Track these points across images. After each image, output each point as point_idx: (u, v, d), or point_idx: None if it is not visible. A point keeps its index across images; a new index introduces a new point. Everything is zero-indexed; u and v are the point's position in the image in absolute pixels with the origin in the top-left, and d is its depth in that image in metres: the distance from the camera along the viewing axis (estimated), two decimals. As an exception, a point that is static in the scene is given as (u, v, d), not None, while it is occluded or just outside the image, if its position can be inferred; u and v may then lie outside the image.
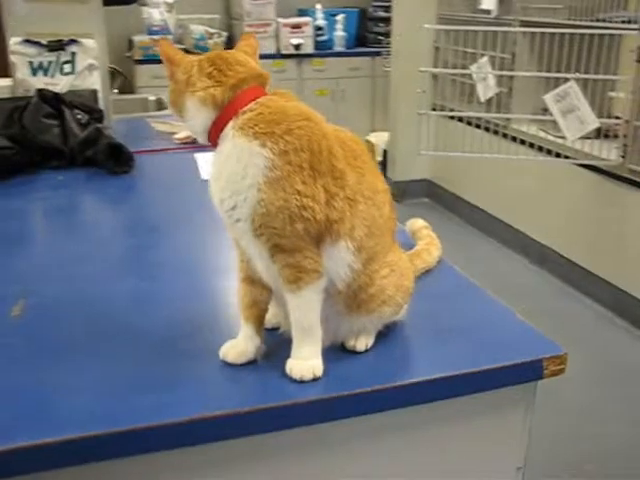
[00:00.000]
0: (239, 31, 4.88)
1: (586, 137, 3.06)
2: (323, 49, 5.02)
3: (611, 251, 3.13)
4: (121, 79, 3.26)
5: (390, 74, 4.59)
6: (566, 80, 2.98)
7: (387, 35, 5.35)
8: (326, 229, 0.80)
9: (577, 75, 2.96)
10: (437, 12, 4.33)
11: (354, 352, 0.90)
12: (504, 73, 3.61)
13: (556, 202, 3.49)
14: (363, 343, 0.90)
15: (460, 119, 3.91)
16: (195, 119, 0.83)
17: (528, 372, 0.92)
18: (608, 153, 3.05)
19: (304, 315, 0.83)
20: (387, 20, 5.40)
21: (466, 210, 4.32)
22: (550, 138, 3.44)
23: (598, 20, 3.24)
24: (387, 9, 5.37)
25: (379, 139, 4.96)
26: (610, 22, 3.19)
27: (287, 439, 0.82)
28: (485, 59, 3.63)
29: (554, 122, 3.21)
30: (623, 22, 3.13)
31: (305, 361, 0.84)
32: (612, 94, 3.09)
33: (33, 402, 0.81)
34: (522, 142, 3.52)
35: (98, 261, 1.26)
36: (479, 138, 3.51)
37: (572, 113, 2.98)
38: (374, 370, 0.88)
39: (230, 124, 0.81)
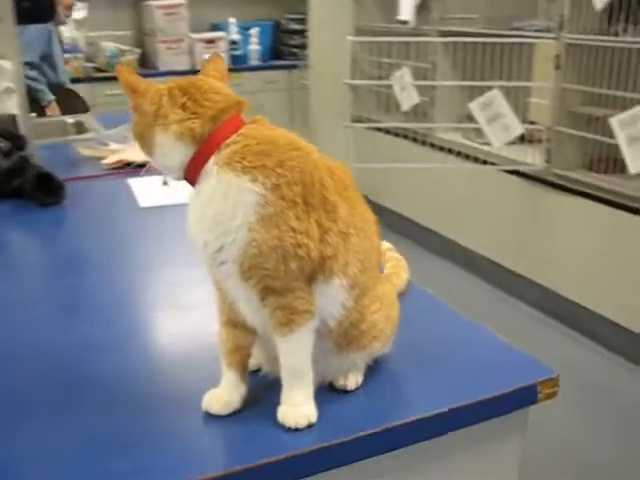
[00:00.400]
0: (152, 47, 4.75)
1: (511, 143, 3.11)
2: (239, 64, 4.94)
3: (540, 253, 3.18)
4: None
5: (309, 87, 4.57)
6: (490, 88, 3.02)
7: (303, 47, 5.34)
8: (320, 267, 0.74)
9: (500, 83, 3.01)
10: (354, 24, 4.33)
11: (344, 391, 0.84)
12: (425, 83, 3.64)
13: (484, 209, 3.53)
14: (353, 381, 0.84)
15: (387, 130, 3.93)
16: (168, 156, 0.75)
17: (523, 398, 0.89)
18: (533, 158, 3.11)
19: (295, 359, 0.76)
20: (301, 32, 5.39)
21: (395, 221, 4.33)
22: (475, 145, 3.48)
23: (513, 29, 3.32)
24: (301, 21, 5.36)
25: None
26: (524, 31, 3.27)
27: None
28: (405, 69, 3.65)
29: (477, 129, 3.26)
30: (536, 30, 3.22)
31: (298, 407, 0.77)
32: (533, 100, 3.15)
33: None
34: (449, 150, 3.55)
35: (38, 305, 1.15)
36: (404, 148, 3.53)
37: (497, 120, 3.03)
38: (367, 410, 0.83)
39: (212, 159, 0.73)
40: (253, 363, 0.86)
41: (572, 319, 2.95)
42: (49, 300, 1.18)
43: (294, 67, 5.11)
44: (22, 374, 0.92)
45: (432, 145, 3.71)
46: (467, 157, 3.49)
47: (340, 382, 0.84)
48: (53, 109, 3.14)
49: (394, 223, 4.34)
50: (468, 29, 3.45)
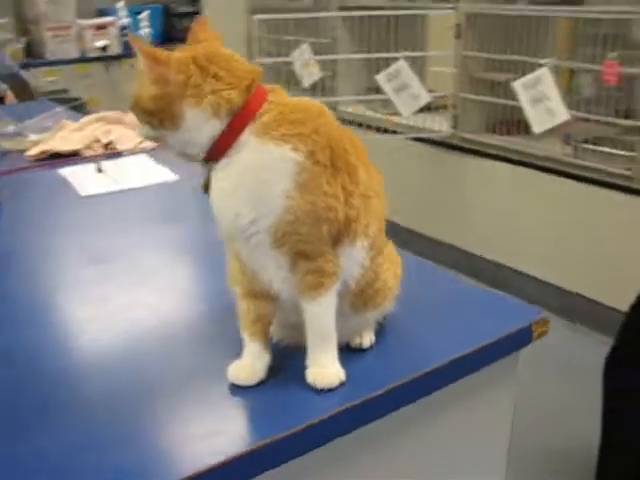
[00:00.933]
0: (38, 36, 4.52)
1: (417, 112, 3.20)
2: (131, 49, 4.80)
3: (454, 217, 3.31)
4: None
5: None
6: (392, 60, 3.09)
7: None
8: (345, 229, 0.75)
9: (405, 53, 3.08)
10: (249, 2, 4.30)
11: (359, 350, 0.86)
12: (327, 57, 3.67)
13: (396, 178, 3.59)
14: (368, 339, 0.87)
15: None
16: (198, 130, 0.72)
17: (520, 339, 0.94)
18: (440, 125, 3.22)
19: (323, 321, 0.78)
20: (192, 15, 5.28)
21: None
22: (381, 116, 3.56)
23: (410, 1, 3.40)
24: (190, 3, 5.27)
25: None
26: (421, 2, 3.37)
27: (327, 453, 0.77)
28: (305, 45, 3.66)
29: (383, 101, 3.33)
30: (433, 2, 3.32)
31: (327, 368, 0.79)
32: (436, 69, 3.26)
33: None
34: (358, 124, 3.58)
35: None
36: None
37: (404, 90, 3.10)
38: (383, 365, 0.85)
39: (247, 130, 0.72)
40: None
41: (493, 278, 3.08)
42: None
43: (188, 50, 5.02)
44: None
45: (340, 120, 3.75)
46: (376, 129, 3.55)
47: (356, 341, 0.86)
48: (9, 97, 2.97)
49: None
50: (367, 3, 3.51)
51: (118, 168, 1.73)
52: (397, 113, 3.31)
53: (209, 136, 0.72)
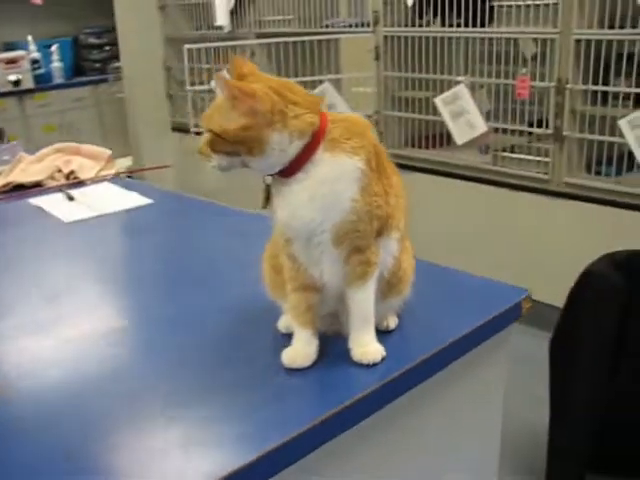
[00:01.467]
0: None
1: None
2: (43, 83, 4.77)
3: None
4: None
5: (125, 99, 4.53)
6: (321, 82, 3.25)
7: (106, 61, 5.26)
8: (385, 224, 0.88)
9: (329, 76, 3.25)
10: (164, 34, 4.38)
11: (386, 331, 0.98)
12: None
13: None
14: (393, 322, 1.00)
15: (197, 134, 4.00)
16: (283, 151, 0.81)
17: (511, 315, 1.09)
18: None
19: (366, 306, 0.90)
20: (101, 46, 5.30)
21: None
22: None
23: (325, 27, 3.59)
24: (99, 35, 5.28)
25: (121, 165, 4.86)
26: (334, 27, 3.56)
27: (382, 418, 0.89)
28: (225, 72, 3.76)
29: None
30: (348, 26, 3.51)
31: (370, 346, 0.91)
32: (359, 89, 3.44)
33: None
34: None
35: None
36: None
37: (330, 110, 3.26)
38: (411, 343, 0.98)
39: (321, 148, 0.82)
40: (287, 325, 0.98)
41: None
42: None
43: (101, 82, 5.03)
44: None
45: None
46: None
47: (384, 324, 0.98)
48: None
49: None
50: (284, 29, 3.67)
51: (87, 196, 1.79)
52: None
53: (291, 155, 0.82)
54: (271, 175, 0.86)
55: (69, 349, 1.03)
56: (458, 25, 2.93)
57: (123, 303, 1.22)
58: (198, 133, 3.25)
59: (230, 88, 0.79)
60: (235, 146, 0.81)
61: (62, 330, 1.09)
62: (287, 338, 0.95)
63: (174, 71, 4.46)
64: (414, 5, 3.04)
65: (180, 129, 4.51)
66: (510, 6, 2.79)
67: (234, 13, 3.81)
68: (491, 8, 2.88)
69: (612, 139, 2.57)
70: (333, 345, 0.94)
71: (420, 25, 3.15)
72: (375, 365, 0.90)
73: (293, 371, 0.90)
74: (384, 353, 0.91)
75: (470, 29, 2.91)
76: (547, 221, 2.78)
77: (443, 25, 3.01)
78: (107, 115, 5.10)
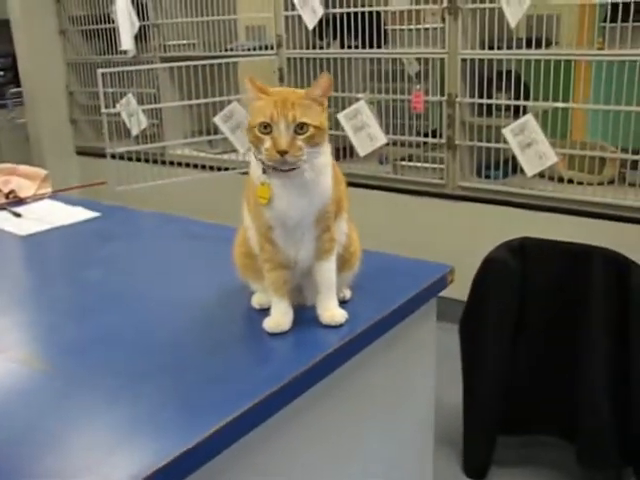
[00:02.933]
0: None
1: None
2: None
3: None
4: None
5: (27, 125, 4.53)
6: (229, 102, 3.44)
7: (1, 87, 5.22)
8: (339, 207, 1.09)
9: (238, 96, 3.44)
10: (65, 58, 4.43)
11: (342, 302, 1.19)
12: (155, 106, 3.92)
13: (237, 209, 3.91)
14: (348, 293, 1.21)
15: (113, 156, 4.06)
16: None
17: (438, 286, 1.32)
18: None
19: (331, 274, 1.10)
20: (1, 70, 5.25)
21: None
22: (211, 156, 3.88)
23: (229, 50, 3.78)
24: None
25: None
26: (236, 51, 3.76)
27: (343, 374, 1.09)
28: (130, 96, 3.88)
29: (209, 142, 3.69)
30: (248, 49, 3.72)
31: (335, 310, 1.11)
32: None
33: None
34: (186, 164, 3.80)
35: None
36: (143, 169, 3.69)
37: (239, 128, 3.46)
38: (363, 310, 1.19)
39: None
40: (264, 300, 1.17)
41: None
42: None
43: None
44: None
45: (170, 163, 3.98)
46: (210, 167, 3.85)
47: (340, 295, 1.18)
48: None
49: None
50: (188, 53, 3.83)
51: (34, 212, 1.90)
52: (226, 151, 3.68)
53: None
54: (271, 171, 1.02)
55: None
56: (356, 47, 3.20)
57: (101, 294, 1.35)
58: (113, 156, 3.35)
59: (311, 93, 1.00)
60: (320, 138, 1.00)
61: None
62: (261, 313, 1.14)
63: (77, 95, 4.52)
64: (314, 29, 3.28)
65: (85, 153, 4.57)
66: (402, 30, 3.09)
67: (138, 38, 3.93)
68: (385, 32, 3.18)
69: (498, 145, 2.91)
70: (300, 314, 1.14)
71: (321, 47, 3.40)
72: (341, 326, 1.11)
73: (275, 335, 1.09)
74: (347, 316, 1.12)
75: (366, 50, 3.18)
76: (445, 221, 3.09)
77: (342, 47, 3.27)
78: (6, 141, 5.05)
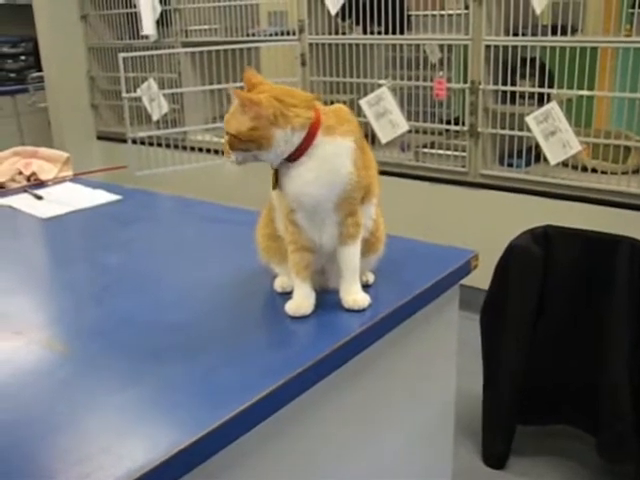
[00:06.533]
0: None
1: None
2: None
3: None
4: None
5: (48, 109, 4.55)
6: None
7: (21, 71, 5.24)
8: (367, 191, 1.07)
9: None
10: (86, 43, 4.44)
11: (366, 285, 1.17)
12: (178, 90, 3.92)
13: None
14: (372, 277, 1.19)
15: (134, 141, 4.07)
16: (286, 143, 0.99)
17: (463, 271, 1.30)
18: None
19: (355, 259, 1.09)
20: (16, 56, 5.28)
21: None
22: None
23: (251, 35, 3.76)
24: (15, 45, 5.26)
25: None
26: (258, 36, 3.74)
27: (366, 359, 1.08)
28: (151, 80, 3.88)
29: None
30: (270, 35, 3.70)
31: (359, 294, 1.10)
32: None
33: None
34: (207, 150, 3.79)
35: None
36: (161, 155, 3.70)
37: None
38: (387, 294, 1.17)
39: (319, 134, 1.01)
40: (287, 284, 1.16)
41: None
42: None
43: (19, 92, 5.01)
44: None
45: (191, 148, 3.98)
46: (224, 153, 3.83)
47: (363, 279, 1.17)
48: None
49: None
50: (210, 38, 3.82)
51: (55, 195, 1.90)
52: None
53: (296, 144, 1.00)
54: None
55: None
56: (379, 33, 3.17)
57: (120, 277, 1.35)
58: (134, 141, 3.36)
59: (241, 98, 0.98)
60: (247, 144, 1.00)
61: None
62: (283, 296, 1.13)
63: (98, 80, 4.53)
64: (337, 14, 3.26)
65: (106, 137, 4.58)
66: (426, 15, 3.06)
67: (160, 22, 3.92)
68: (408, 17, 3.14)
69: (521, 134, 2.87)
70: (322, 298, 1.12)
71: (343, 33, 3.38)
72: (364, 310, 1.09)
73: (296, 319, 1.08)
74: (370, 300, 1.10)
75: (389, 36, 3.15)
76: (467, 209, 3.06)
77: (365, 33, 3.24)
78: (28, 125, 5.08)
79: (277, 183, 1.06)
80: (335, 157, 1.02)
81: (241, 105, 0.98)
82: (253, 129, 0.98)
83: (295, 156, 1.02)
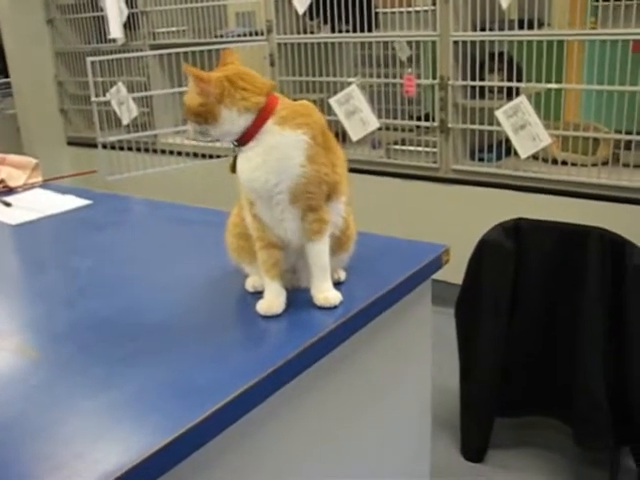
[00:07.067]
0: None
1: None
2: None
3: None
4: None
5: (17, 116, 4.49)
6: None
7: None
8: (333, 189, 1.07)
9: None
10: (53, 48, 4.39)
11: (337, 283, 1.17)
12: (145, 94, 3.88)
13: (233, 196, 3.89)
14: (343, 274, 1.19)
15: (104, 146, 4.02)
16: (232, 124, 1.00)
17: (435, 266, 1.31)
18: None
19: (323, 257, 1.08)
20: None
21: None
22: (202, 144, 3.84)
23: (219, 36, 3.75)
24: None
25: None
26: (226, 37, 3.73)
27: (338, 356, 1.08)
28: (120, 84, 3.85)
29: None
30: (238, 35, 3.70)
31: (330, 292, 1.10)
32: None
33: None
34: (177, 153, 3.77)
35: None
36: (132, 159, 3.66)
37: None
38: (358, 291, 1.17)
39: (270, 121, 1.01)
40: (258, 283, 1.16)
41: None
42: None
43: (-13, 98, 4.95)
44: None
45: (162, 151, 3.96)
46: (201, 155, 3.82)
47: (335, 277, 1.17)
48: None
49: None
50: (178, 40, 3.80)
51: (24, 201, 1.88)
52: (217, 139, 3.63)
53: (242, 126, 1.01)
54: (234, 145, 1.04)
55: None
56: (347, 31, 3.17)
57: (92, 281, 1.34)
58: (105, 145, 3.33)
59: (192, 75, 1.00)
60: (197, 117, 1.02)
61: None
62: (255, 296, 1.13)
63: (66, 85, 4.48)
64: (304, 14, 3.26)
65: (76, 143, 4.54)
66: (393, 13, 3.07)
67: (127, 26, 3.89)
68: (376, 15, 3.15)
69: (491, 128, 2.89)
70: (294, 297, 1.12)
71: (311, 32, 3.38)
72: (335, 308, 1.09)
73: (268, 318, 1.08)
74: (341, 297, 1.10)
75: (357, 34, 3.16)
76: (439, 205, 3.07)
77: (333, 31, 3.24)
78: (-5, 131, 5.01)
79: (234, 168, 1.06)
80: (284, 147, 1.02)
81: (193, 81, 1.01)
82: (201, 105, 1.01)
83: (244, 139, 1.03)
